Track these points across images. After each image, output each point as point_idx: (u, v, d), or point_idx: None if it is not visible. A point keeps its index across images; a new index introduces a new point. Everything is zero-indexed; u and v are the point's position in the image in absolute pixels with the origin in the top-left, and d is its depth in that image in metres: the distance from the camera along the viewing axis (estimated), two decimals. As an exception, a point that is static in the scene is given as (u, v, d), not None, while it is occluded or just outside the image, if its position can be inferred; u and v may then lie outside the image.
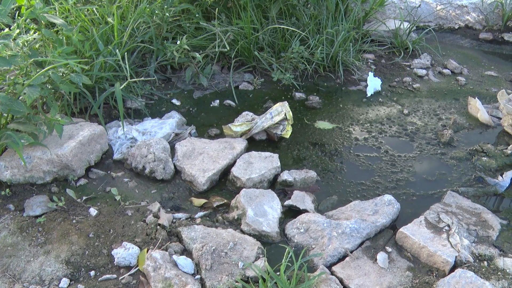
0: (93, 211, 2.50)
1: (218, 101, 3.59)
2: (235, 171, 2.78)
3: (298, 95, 3.66)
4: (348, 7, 4.21)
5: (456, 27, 5.20)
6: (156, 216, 2.53)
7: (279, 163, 2.83)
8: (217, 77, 3.94)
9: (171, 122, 3.24)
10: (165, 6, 3.77)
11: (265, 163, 2.83)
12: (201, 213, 2.59)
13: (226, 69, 3.96)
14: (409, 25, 4.43)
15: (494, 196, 2.76)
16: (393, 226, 2.50)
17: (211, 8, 3.95)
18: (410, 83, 3.89)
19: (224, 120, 3.35)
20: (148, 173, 2.81)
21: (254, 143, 3.14)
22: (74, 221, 2.42)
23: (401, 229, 2.38)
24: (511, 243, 2.42)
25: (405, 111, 3.49)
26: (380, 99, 3.66)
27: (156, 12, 3.75)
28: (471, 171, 2.93)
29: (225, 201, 2.68)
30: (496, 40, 4.99)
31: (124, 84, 3.01)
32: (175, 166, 2.87)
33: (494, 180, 2.84)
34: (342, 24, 3.96)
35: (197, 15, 3.97)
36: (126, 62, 3.06)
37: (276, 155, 2.89)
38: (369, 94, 3.69)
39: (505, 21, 5.12)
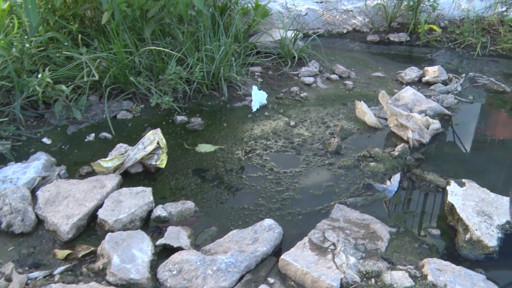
0: None
1: (93, 134, 3.26)
2: (101, 213, 2.46)
3: (180, 118, 3.40)
4: (229, 21, 4.02)
5: (345, 31, 5.17)
6: (8, 280, 2.16)
7: (151, 198, 2.54)
8: (94, 108, 3.61)
9: (36, 164, 2.87)
10: (25, 37, 3.41)
11: (136, 199, 2.54)
12: (62, 268, 2.25)
13: (104, 98, 3.64)
14: (293, 34, 4.30)
15: (383, 203, 2.61)
16: (278, 252, 2.27)
17: (82, 35, 3.63)
18: (298, 92, 3.73)
19: (99, 155, 3.03)
20: (5, 228, 2.44)
21: (130, 177, 2.84)
22: None
23: (282, 256, 2.15)
24: (400, 252, 2.26)
25: (292, 123, 3.32)
26: (266, 113, 3.47)
27: (15, 44, 3.38)
28: (359, 179, 2.78)
29: (92, 249, 2.36)
30: (383, 41, 4.99)
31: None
32: (37, 215, 2.51)
33: (382, 186, 2.69)
34: (221, 39, 3.75)
35: (66, 44, 3.64)
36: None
37: (149, 189, 2.60)
38: (254, 109, 3.49)
39: (389, 22, 5.14)
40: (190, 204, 2.57)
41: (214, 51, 3.66)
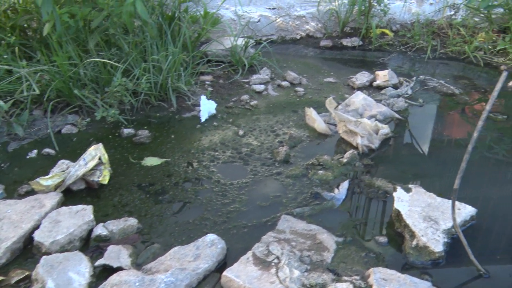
0: None
1: (36, 151, 3.13)
2: (37, 235, 2.35)
3: (127, 131, 3.30)
4: (178, 30, 3.94)
5: (298, 37, 5.15)
6: None
7: (92, 216, 2.44)
8: (38, 123, 3.48)
9: (-29, 185, 2.74)
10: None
11: (75, 219, 2.43)
12: (-7, 296, 2.12)
13: (48, 112, 3.52)
14: (243, 41, 4.25)
15: (331, 211, 2.57)
16: (222, 268, 2.20)
17: (24, 47, 3.50)
18: (248, 101, 3.68)
19: (41, 172, 2.90)
20: None
21: (72, 195, 2.73)
22: None
23: (224, 272, 2.08)
24: (347, 262, 2.22)
25: (241, 132, 3.26)
26: (215, 122, 3.40)
27: None
28: (307, 188, 2.74)
29: (27, 273, 2.23)
30: (336, 46, 5.00)
31: None
32: (-31, 240, 2.37)
33: (330, 194, 2.65)
34: (169, 48, 3.67)
35: (5, 56, 3.50)
36: None
37: (89, 207, 2.50)
38: (203, 120, 3.42)
39: (341, 27, 5.15)
40: (133, 221, 2.47)
41: (161, 61, 3.57)
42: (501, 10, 5.00)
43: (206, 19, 4.05)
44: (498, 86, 1.88)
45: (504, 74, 1.88)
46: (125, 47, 3.57)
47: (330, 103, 3.22)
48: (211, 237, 2.26)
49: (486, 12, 5.00)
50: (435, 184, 2.81)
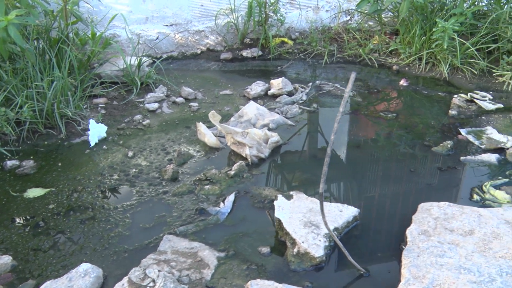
0: None
1: None
2: None
3: (10, 163, 3.14)
4: (63, 53, 3.82)
5: (199, 52, 5.14)
6: None
7: (-41, 259, 2.29)
8: None
9: None
10: None
11: None
12: None
13: None
14: (136, 60, 4.18)
15: (216, 226, 2.54)
16: (98, 297, 2.12)
17: None
18: (140, 120, 3.61)
19: None
20: None
21: None
22: None
23: (95, 303, 2.00)
24: (227, 277, 2.19)
25: (130, 154, 3.19)
26: (104, 146, 3.31)
27: None
28: (193, 204, 2.70)
29: None
30: (236, 58, 5.02)
31: None
32: None
33: (215, 209, 2.63)
34: (54, 73, 3.55)
35: None
36: None
37: (-42, 249, 2.34)
38: (92, 144, 3.32)
39: (241, 39, 5.19)
40: (6, 259, 2.34)
41: (45, 87, 3.45)
42: (391, 14, 5.21)
43: (95, 40, 3.95)
44: (349, 87, 1.92)
45: (353, 74, 1.93)
46: (3, 75, 3.42)
47: (213, 116, 3.21)
48: (84, 266, 2.17)
49: (376, 16, 5.19)
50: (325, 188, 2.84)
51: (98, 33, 4.03)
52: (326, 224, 2.17)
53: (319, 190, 2.05)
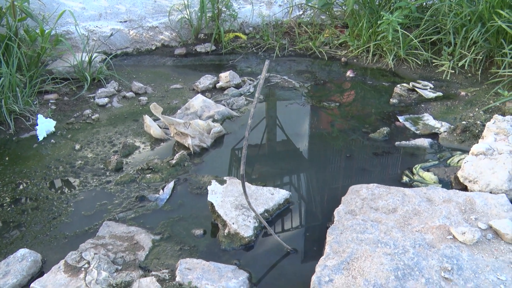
0: None
1: None
2: None
3: (-42, 158, 3.21)
4: (11, 50, 3.88)
5: (154, 47, 5.23)
6: None
7: None
8: None
9: None
10: None
11: None
12: None
13: None
14: (87, 56, 4.27)
15: (154, 212, 2.67)
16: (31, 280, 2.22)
17: None
18: (90, 115, 3.71)
19: None
20: None
21: None
22: None
23: (32, 284, 2.12)
24: (160, 258, 2.32)
25: (77, 147, 3.28)
26: (53, 140, 3.40)
27: None
28: (134, 192, 2.82)
29: None
30: (190, 53, 5.13)
31: None
32: None
33: (154, 196, 2.76)
34: (0, 70, 3.62)
35: None
36: None
37: None
38: (40, 138, 3.40)
39: (195, 34, 5.30)
40: (-52, 249, 2.43)
41: (-7, 83, 3.52)
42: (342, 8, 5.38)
43: (44, 37, 4.02)
44: (263, 74, 2.06)
45: (267, 62, 2.07)
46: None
47: (155, 108, 3.33)
48: (22, 251, 2.28)
49: (327, 10, 5.36)
50: (262, 174, 3.00)
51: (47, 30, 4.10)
52: (249, 204, 2.31)
53: (240, 171, 2.19)
